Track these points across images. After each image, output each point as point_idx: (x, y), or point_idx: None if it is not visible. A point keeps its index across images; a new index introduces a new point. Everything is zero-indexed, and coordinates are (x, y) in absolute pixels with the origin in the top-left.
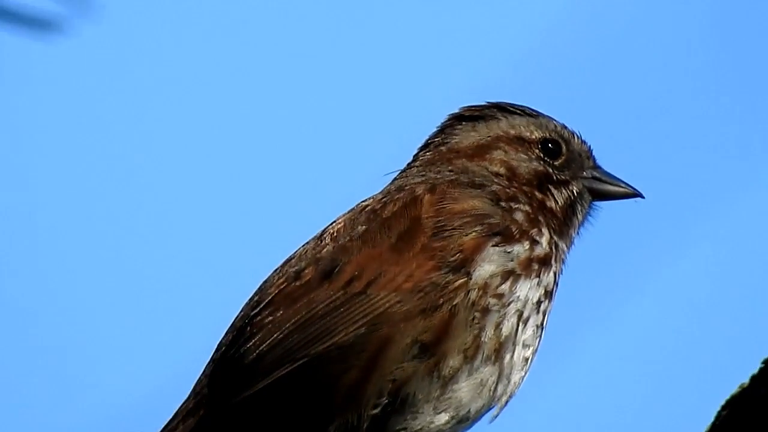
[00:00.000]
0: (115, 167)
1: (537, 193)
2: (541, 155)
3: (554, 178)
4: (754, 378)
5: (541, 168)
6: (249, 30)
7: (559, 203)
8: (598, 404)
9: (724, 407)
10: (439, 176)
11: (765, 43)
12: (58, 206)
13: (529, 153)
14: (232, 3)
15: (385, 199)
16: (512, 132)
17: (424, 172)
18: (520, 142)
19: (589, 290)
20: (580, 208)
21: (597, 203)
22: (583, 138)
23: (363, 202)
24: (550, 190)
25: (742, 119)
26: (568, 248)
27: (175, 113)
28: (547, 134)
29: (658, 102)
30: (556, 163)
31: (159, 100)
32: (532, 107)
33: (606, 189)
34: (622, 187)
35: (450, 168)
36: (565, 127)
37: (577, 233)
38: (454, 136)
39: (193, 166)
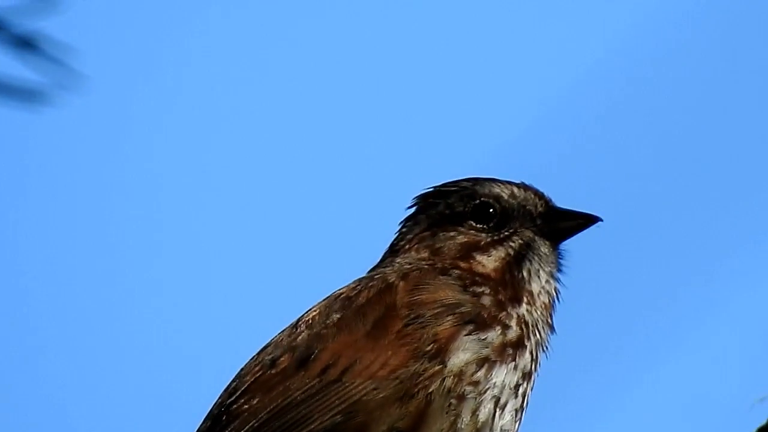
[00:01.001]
0: (107, 238)
1: (462, 264)
2: (474, 224)
3: (481, 243)
4: None
5: (465, 239)
6: (240, 90)
7: (490, 266)
8: None
9: None
10: (410, 265)
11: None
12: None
13: (459, 228)
14: (218, 63)
15: (359, 287)
16: (447, 212)
17: (397, 261)
18: (451, 219)
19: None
20: (532, 257)
21: (564, 245)
22: (528, 187)
23: (337, 290)
24: (473, 257)
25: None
26: (538, 304)
27: (165, 180)
28: (477, 201)
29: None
30: (489, 225)
31: (147, 166)
32: (476, 176)
33: (558, 227)
34: (574, 218)
35: (418, 256)
36: (502, 185)
37: (553, 280)
38: (414, 226)
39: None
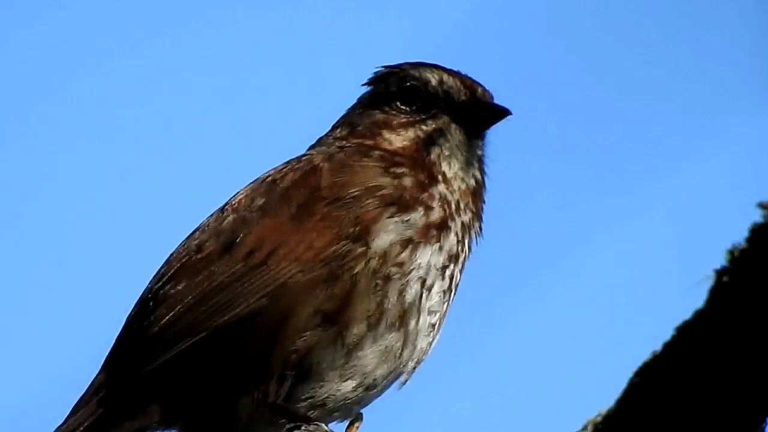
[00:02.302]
0: None
1: (369, 142)
2: (399, 105)
3: (394, 123)
4: (666, 345)
5: (380, 118)
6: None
7: (396, 144)
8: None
9: (636, 374)
10: (336, 146)
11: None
12: None
13: (384, 108)
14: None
15: (285, 169)
16: (380, 93)
17: (327, 142)
18: (382, 100)
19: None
20: (443, 142)
21: (486, 135)
22: (461, 76)
23: (265, 173)
24: (381, 135)
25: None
26: (455, 187)
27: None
28: (407, 84)
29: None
30: (412, 107)
31: None
32: (419, 62)
33: (474, 117)
34: (489, 110)
35: (339, 136)
36: (434, 71)
37: (462, 168)
38: (354, 107)
39: None
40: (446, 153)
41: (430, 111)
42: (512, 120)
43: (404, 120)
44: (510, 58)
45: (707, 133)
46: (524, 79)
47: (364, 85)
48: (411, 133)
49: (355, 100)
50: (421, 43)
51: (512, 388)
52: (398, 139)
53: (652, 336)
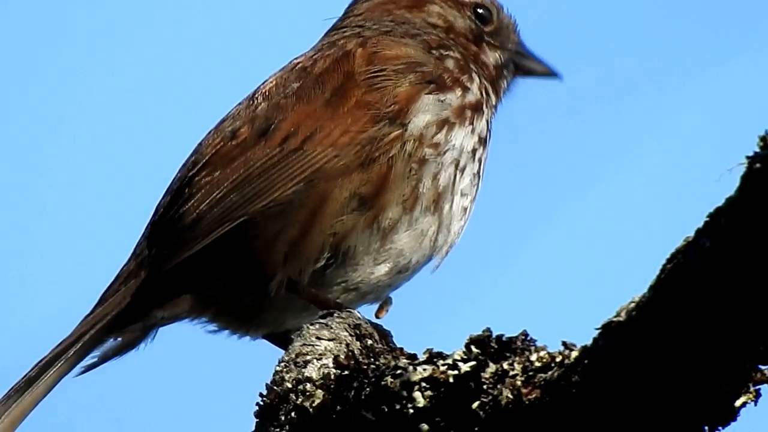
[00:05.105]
0: None
1: (472, 46)
2: (473, 18)
3: (485, 39)
4: (698, 231)
5: (474, 27)
6: None
7: (492, 61)
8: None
9: (668, 261)
10: (374, 28)
11: None
12: None
13: (462, 13)
14: None
15: (316, 56)
16: None
17: (360, 24)
18: (454, 2)
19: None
20: (505, 76)
21: (518, 78)
22: (510, 13)
23: (294, 59)
24: (483, 47)
25: None
26: (495, 108)
27: None
28: (479, 0)
29: None
30: (486, 29)
31: None
32: None
33: (528, 65)
34: (543, 65)
35: (390, 18)
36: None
37: (500, 102)
38: None
39: None
40: (504, 86)
41: (497, 41)
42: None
43: (488, 40)
44: None
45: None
46: None
47: None
48: (496, 55)
49: None
50: None
51: (549, 278)
52: (492, 57)
53: (685, 223)
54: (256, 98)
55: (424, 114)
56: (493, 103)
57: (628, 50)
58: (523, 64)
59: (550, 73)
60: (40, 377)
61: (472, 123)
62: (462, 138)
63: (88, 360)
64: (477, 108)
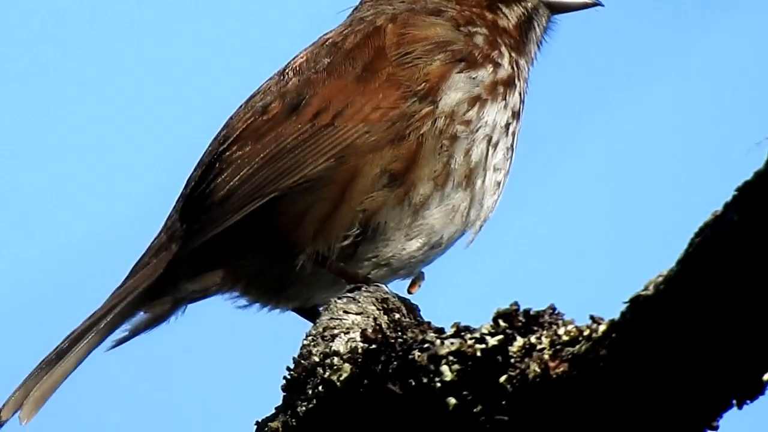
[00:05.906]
0: None
1: (488, 14)
2: None
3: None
4: (726, 205)
5: None
6: None
7: (512, 21)
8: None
9: (697, 234)
10: (395, 7)
11: None
12: None
13: None
14: None
15: (346, 32)
16: None
17: (380, 4)
18: None
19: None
20: (537, 23)
21: (556, 17)
22: None
23: (324, 35)
24: (500, 9)
25: None
26: (530, 65)
27: None
28: None
29: None
30: None
31: None
32: None
33: (562, 1)
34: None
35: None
36: None
37: (538, 49)
38: None
39: None
40: (538, 33)
41: None
42: None
43: None
44: None
45: None
46: None
47: None
48: (519, 10)
49: None
50: None
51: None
52: (513, 16)
53: (714, 199)
54: (287, 73)
55: (455, 92)
56: (526, 73)
57: None
58: (556, 2)
59: (588, 4)
60: (71, 350)
61: (504, 98)
62: (494, 114)
63: (119, 333)
64: (509, 83)
